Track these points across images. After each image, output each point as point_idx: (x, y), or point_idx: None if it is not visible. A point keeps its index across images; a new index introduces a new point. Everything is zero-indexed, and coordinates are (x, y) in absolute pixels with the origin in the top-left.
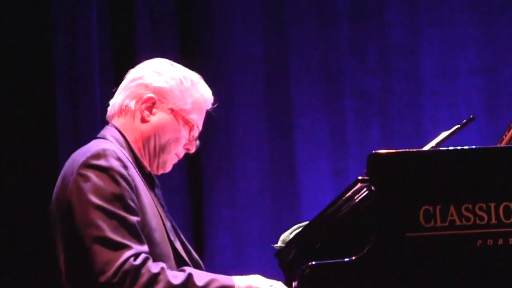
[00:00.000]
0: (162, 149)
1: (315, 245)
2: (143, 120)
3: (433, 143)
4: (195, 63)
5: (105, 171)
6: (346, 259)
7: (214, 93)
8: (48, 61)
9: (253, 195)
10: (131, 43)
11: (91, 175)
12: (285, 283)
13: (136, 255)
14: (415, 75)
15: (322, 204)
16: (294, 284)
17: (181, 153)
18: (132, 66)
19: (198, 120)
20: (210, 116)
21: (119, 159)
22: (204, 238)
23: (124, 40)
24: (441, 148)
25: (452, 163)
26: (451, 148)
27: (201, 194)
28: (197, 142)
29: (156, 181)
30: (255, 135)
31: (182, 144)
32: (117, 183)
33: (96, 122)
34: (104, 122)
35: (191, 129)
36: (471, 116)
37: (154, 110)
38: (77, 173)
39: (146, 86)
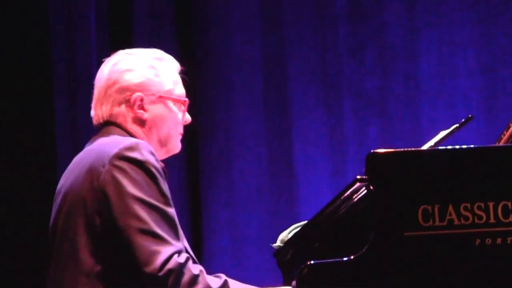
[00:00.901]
0: (166, 137)
1: (313, 244)
2: (140, 120)
3: (431, 142)
4: (194, 64)
5: (141, 164)
6: (345, 259)
7: (212, 95)
8: (46, 59)
9: (252, 195)
10: (129, 43)
11: (127, 167)
12: (284, 283)
13: (179, 252)
14: (413, 75)
15: (321, 204)
16: (293, 283)
17: (182, 129)
18: None
19: (182, 90)
20: (208, 117)
21: (152, 153)
22: (202, 238)
23: (122, 39)
24: (439, 148)
25: (451, 162)
26: (449, 147)
27: (200, 194)
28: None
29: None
30: (253, 135)
31: (180, 123)
32: (153, 176)
33: (94, 128)
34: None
35: (183, 104)
36: (470, 116)
37: (145, 106)
38: (110, 164)
39: (126, 88)
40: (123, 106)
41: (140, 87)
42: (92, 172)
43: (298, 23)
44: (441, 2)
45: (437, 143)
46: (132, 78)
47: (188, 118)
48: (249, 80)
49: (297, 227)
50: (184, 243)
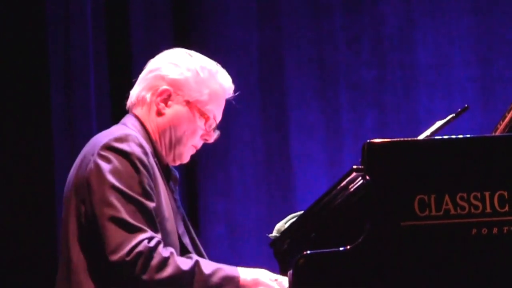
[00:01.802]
0: (178, 141)
1: (310, 234)
2: (159, 112)
3: (427, 132)
4: None
5: (126, 155)
6: (341, 249)
7: None
8: (43, 54)
9: (248, 186)
10: (125, 35)
11: (112, 157)
12: (280, 273)
13: (150, 238)
14: (409, 66)
15: (317, 195)
16: (289, 273)
17: (199, 144)
18: (127, 58)
19: (215, 110)
20: None
21: (140, 145)
22: (199, 228)
23: (118, 32)
24: (435, 138)
25: (447, 152)
26: (445, 137)
27: (196, 185)
28: (216, 133)
29: (175, 174)
30: (250, 126)
31: (198, 135)
32: (137, 168)
33: (91, 115)
34: (99, 116)
35: (207, 121)
36: (466, 106)
37: (169, 102)
38: (98, 154)
39: (162, 78)
40: (149, 93)
41: (174, 83)
42: (83, 162)
43: (295, 14)
44: None
45: (433, 133)
46: (172, 72)
47: (209, 137)
48: (246, 71)
49: (294, 217)
50: (175, 241)
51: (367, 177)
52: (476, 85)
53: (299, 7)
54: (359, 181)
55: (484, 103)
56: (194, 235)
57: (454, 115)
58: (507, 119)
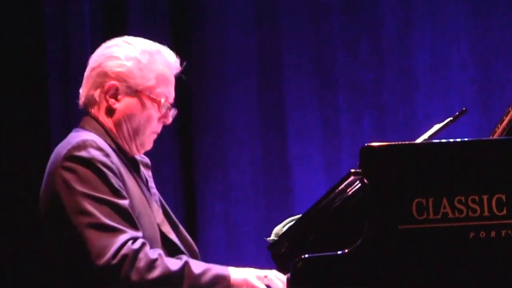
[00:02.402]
0: (136, 132)
1: (308, 238)
2: (110, 108)
3: (425, 135)
4: (188, 57)
5: (88, 162)
6: (339, 252)
7: (207, 87)
8: (41, 56)
9: (246, 188)
10: (123, 35)
11: (75, 166)
12: None
13: (134, 239)
14: (407, 67)
15: (315, 197)
16: (287, 276)
17: (158, 128)
18: None
19: (166, 92)
20: (203, 110)
21: (99, 149)
22: (197, 231)
23: (116, 34)
24: (433, 141)
25: (445, 155)
26: (443, 140)
27: (194, 187)
28: (173, 111)
29: (145, 160)
30: (247, 128)
31: (155, 121)
32: (101, 171)
33: None
34: None
35: (159, 105)
36: (463, 109)
37: (118, 96)
38: (60, 166)
39: (105, 74)
40: (98, 91)
41: (118, 76)
42: (49, 176)
43: (293, 15)
44: None
45: (431, 136)
46: (114, 65)
47: (166, 119)
48: (244, 72)
49: (292, 220)
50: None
51: (365, 181)
52: (474, 87)
53: (298, 8)
54: (357, 184)
55: (482, 105)
56: (176, 222)
57: (452, 118)
58: (505, 122)
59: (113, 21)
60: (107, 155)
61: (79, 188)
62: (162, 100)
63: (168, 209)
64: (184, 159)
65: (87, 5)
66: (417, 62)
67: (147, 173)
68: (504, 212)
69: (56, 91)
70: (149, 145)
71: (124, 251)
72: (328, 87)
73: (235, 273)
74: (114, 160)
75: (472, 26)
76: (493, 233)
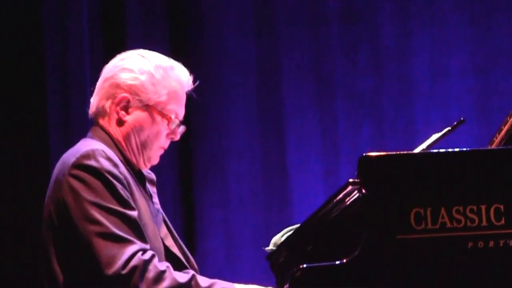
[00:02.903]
0: (144, 146)
1: (306, 247)
2: (120, 120)
3: (424, 145)
4: (187, 65)
5: (96, 171)
6: (337, 262)
7: (206, 95)
8: (40, 63)
9: (245, 197)
10: (122, 46)
11: (83, 175)
12: (277, 286)
13: (143, 250)
14: (406, 76)
15: (314, 206)
16: (286, 286)
17: (166, 144)
18: None
19: (176, 108)
20: (202, 118)
21: (108, 159)
22: (195, 239)
23: (115, 42)
24: (431, 151)
25: (443, 165)
26: (441, 150)
27: (193, 195)
28: (181, 128)
29: (151, 176)
30: (246, 136)
31: (163, 136)
32: (109, 182)
33: (87, 124)
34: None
35: (169, 121)
36: (462, 119)
37: (129, 109)
38: (69, 174)
39: (117, 85)
40: (109, 102)
41: (131, 89)
42: (56, 184)
43: (292, 23)
44: (433, 2)
45: (429, 146)
46: (127, 78)
47: (175, 135)
48: (243, 80)
49: (290, 230)
50: (158, 245)
51: (363, 190)
52: (472, 96)
53: (296, 17)
54: (355, 194)
55: (481, 114)
56: (177, 236)
57: (450, 128)
58: (503, 132)
59: (112, 31)
60: (116, 165)
61: (87, 196)
62: (173, 117)
63: (170, 225)
64: (183, 167)
65: (86, 14)
66: (416, 71)
67: (151, 189)
68: (502, 222)
69: (54, 101)
70: (155, 160)
71: (134, 261)
72: (326, 96)
73: None
74: (123, 170)
75: (470, 35)
76: (491, 243)
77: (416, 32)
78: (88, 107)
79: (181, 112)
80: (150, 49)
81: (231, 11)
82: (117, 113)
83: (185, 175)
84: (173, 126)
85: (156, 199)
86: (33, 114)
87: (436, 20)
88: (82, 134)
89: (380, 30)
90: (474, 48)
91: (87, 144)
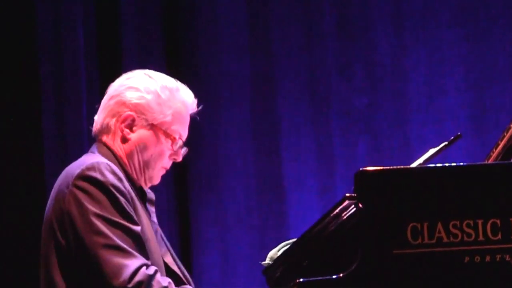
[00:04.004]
0: (146, 165)
1: (303, 262)
2: (124, 138)
3: (420, 160)
4: (182, 81)
5: (101, 184)
6: (334, 277)
7: (201, 112)
8: (35, 77)
9: (241, 213)
10: (117, 60)
11: (88, 187)
12: None
13: (147, 265)
14: (401, 93)
15: (310, 222)
16: None
17: (168, 164)
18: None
19: (180, 129)
20: (197, 134)
21: (113, 172)
22: (191, 256)
23: (110, 57)
24: (428, 165)
25: (440, 180)
26: (438, 165)
27: (188, 212)
28: (184, 149)
29: (151, 195)
30: (242, 153)
31: (166, 157)
32: (114, 195)
33: (83, 140)
34: (91, 140)
35: (173, 141)
36: (458, 134)
37: (134, 127)
38: (73, 185)
39: (123, 104)
40: (114, 120)
41: (136, 108)
42: (59, 195)
43: (287, 40)
44: (429, 19)
45: (426, 161)
46: (133, 97)
47: (177, 156)
48: (238, 97)
49: (286, 244)
50: (159, 261)
51: (360, 205)
52: (468, 112)
53: (291, 34)
54: (352, 209)
55: (476, 130)
56: (175, 255)
57: (447, 143)
58: (499, 147)
59: (107, 46)
60: (120, 179)
61: (92, 208)
62: (177, 137)
63: (168, 243)
64: (178, 184)
65: (81, 28)
66: (411, 88)
67: (150, 208)
68: (499, 236)
69: (49, 116)
70: (157, 180)
71: (139, 276)
72: (322, 113)
73: None
74: (126, 185)
75: (465, 51)
76: (488, 258)
77: (411, 49)
78: (85, 121)
79: (185, 134)
80: (145, 67)
81: (226, 28)
82: (122, 130)
83: (180, 192)
84: (176, 146)
85: (154, 219)
86: (28, 133)
87: (431, 37)
88: (77, 153)
89: (375, 47)
90: (470, 65)
91: (92, 158)
